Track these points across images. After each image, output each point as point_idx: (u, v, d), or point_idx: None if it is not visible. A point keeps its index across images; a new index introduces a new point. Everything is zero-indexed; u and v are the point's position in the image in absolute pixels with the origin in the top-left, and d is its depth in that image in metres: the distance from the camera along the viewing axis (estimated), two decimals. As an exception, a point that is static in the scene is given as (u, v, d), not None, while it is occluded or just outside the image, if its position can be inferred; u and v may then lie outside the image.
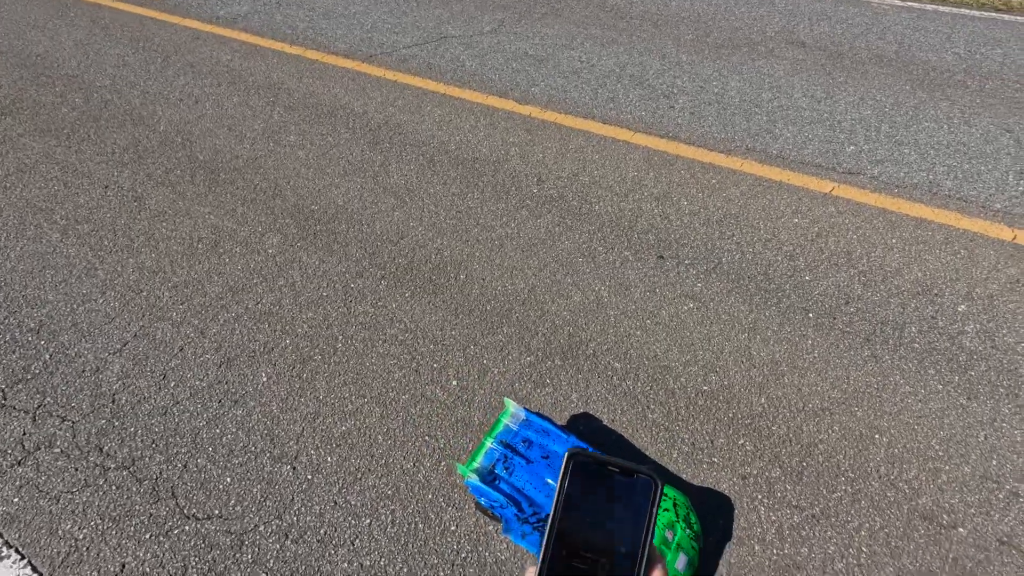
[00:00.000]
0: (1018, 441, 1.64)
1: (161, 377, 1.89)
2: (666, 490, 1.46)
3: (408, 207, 2.53)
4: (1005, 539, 1.44)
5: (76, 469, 1.65)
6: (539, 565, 0.38)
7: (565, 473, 0.39)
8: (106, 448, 1.70)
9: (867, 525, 1.48)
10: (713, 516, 1.51)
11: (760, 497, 1.55)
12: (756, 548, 1.45)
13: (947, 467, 1.59)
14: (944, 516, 1.49)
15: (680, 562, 1.34)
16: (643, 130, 2.94)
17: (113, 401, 1.83)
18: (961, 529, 1.47)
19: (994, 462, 1.59)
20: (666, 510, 1.40)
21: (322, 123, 3.09)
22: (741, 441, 1.67)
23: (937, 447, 1.64)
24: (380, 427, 1.73)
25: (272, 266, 2.27)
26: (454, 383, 1.84)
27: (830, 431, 1.68)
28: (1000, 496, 1.53)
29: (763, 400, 1.76)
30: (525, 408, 1.66)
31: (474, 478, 1.43)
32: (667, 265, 2.20)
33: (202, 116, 3.19)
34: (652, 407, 1.75)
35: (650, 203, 2.50)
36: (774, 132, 2.88)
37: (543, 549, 0.38)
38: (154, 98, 3.36)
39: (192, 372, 1.90)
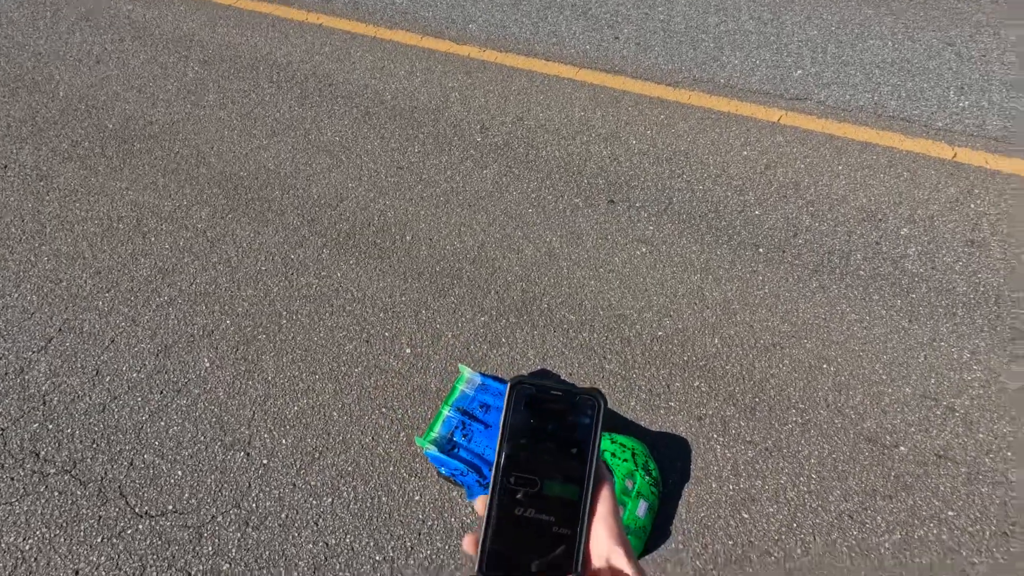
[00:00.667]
0: (955, 359, 1.71)
1: (94, 372, 1.77)
2: (624, 440, 1.47)
3: (345, 166, 2.38)
4: (942, 453, 1.53)
5: (12, 478, 1.57)
6: (489, 493, 0.38)
7: (508, 402, 0.40)
8: (43, 453, 1.61)
9: (816, 453, 1.55)
10: (671, 459, 1.55)
11: (715, 436, 1.59)
12: (713, 485, 1.50)
13: (890, 390, 1.66)
14: (887, 436, 1.57)
15: (641, 508, 1.38)
16: (588, 65, 2.80)
17: (44, 403, 1.72)
18: (902, 448, 1.55)
19: (932, 380, 1.67)
20: (625, 460, 1.43)
21: (243, 78, 2.84)
22: (696, 383, 1.69)
23: (880, 371, 1.70)
24: (334, 403, 1.69)
25: (203, 242, 2.13)
26: (408, 351, 1.79)
27: (781, 365, 1.72)
28: (937, 413, 1.61)
29: (716, 340, 1.78)
30: (481, 372, 1.63)
31: (433, 449, 1.41)
32: (618, 209, 2.16)
33: (107, 78, 2.88)
34: (609, 357, 1.75)
35: (598, 144, 2.42)
36: (721, 60, 2.79)
37: (492, 477, 0.39)
38: (48, 59, 3.01)
39: (127, 364, 1.79)
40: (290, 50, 2.99)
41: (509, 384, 0.40)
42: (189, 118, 2.64)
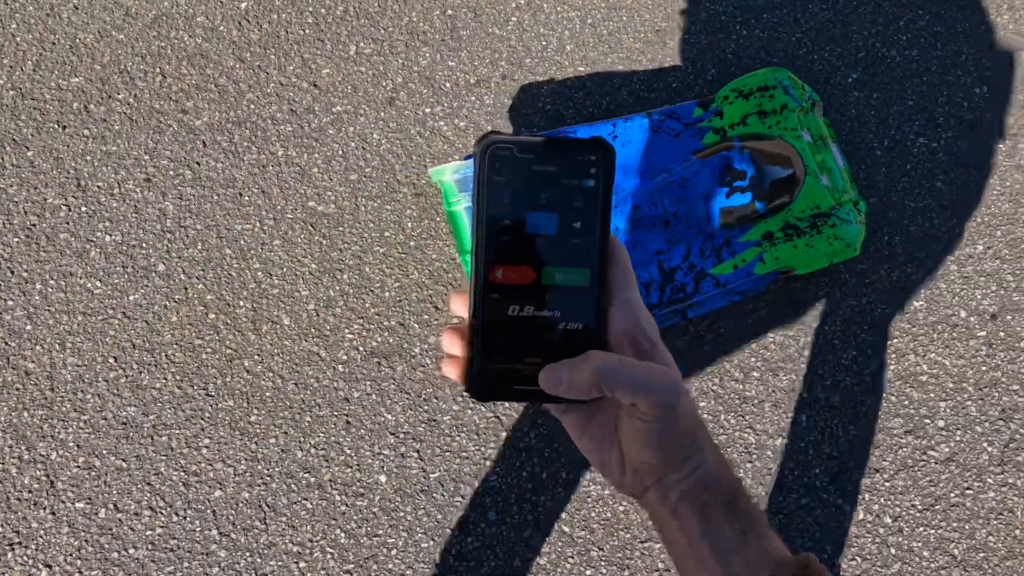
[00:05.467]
0: None
1: None
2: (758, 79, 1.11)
3: None
4: None
5: None
6: (470, 292, 0.31)
7: (480, 168, 0.30)
8: None
9: None
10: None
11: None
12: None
13: None
14: None
15: (836, 153, 1.11)
16: None
17: None
18: None
19: None
20: (769, 96, 1.08)
21: None
22: None
23: None
24: None
25: None
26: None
27: None
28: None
29: None
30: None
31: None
32: None
33: None
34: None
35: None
36: None
37: (472, 271, 0.31)
38: None
39: None
40: None
41: (478, 145, 0.30)
42: None
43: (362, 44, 1.24)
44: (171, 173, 1.17)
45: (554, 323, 0.32)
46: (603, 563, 1.06)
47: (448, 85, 1.23)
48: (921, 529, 1.07)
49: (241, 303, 1.13)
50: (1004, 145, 1.21)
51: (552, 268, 0.32)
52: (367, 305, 1.13)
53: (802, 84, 1.15)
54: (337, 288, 1.13)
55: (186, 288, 1.13)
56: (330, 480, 1.08)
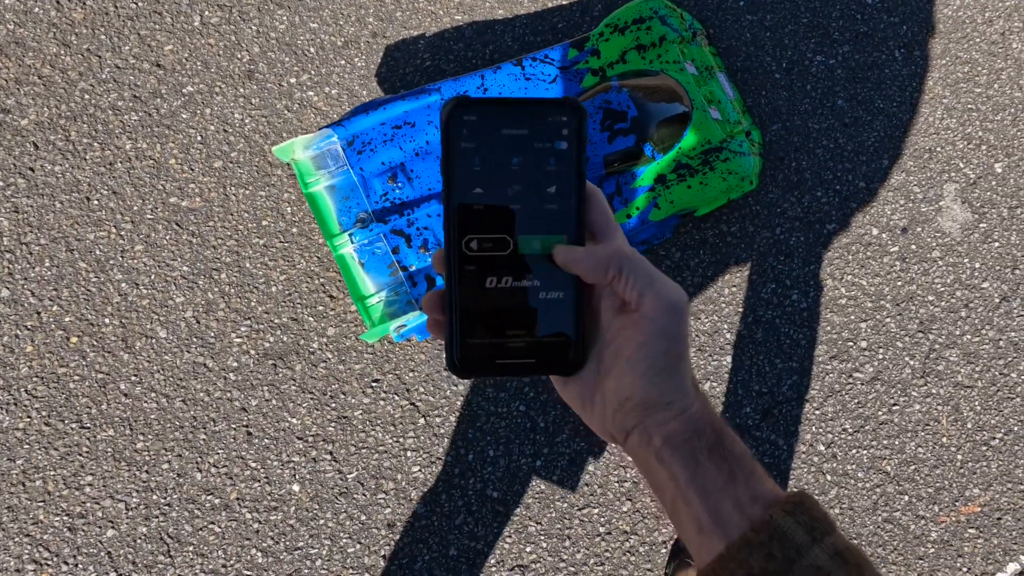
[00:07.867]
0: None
1: None
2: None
3: None
4: None
5: None
6: (445, 266, 0.29)
7: (448, 137, 0.28)
8: None
9: None
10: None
11: None
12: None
13: None
14: None
15: (724, 83, 1.04)
16: None
17: None
18: None
19: None
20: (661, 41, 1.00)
21: None
22: None
23: None
24: None
25: None
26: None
27: None
28: None
29: None
30: (326, 128, 0.94)
31: (386, 326, 0.91)
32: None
33: None
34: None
35: None
36: None
37: (446, 246, 0.29)
38: None
39: None
40: None
41: (444, 108, 0.28)
42: None
43: (207, 12, 1.10)
44: (0, 184, 1.02)
45: (534, 293, 0.30)
46: (542, 537, 1.01)
47: (313, 50, 1.11)
48: (854, 451, 1.07)
49: (106, 320, 1.00)
50: (899, 54, 1.17)
51: (529, 236, 0.29)
52: (253, 304, 1.02)
53: (680, 12, 1.07)
54: (216, 290, 1.02)
55: (39, 312, 0.99)
56: (237, 498, 0.99)
